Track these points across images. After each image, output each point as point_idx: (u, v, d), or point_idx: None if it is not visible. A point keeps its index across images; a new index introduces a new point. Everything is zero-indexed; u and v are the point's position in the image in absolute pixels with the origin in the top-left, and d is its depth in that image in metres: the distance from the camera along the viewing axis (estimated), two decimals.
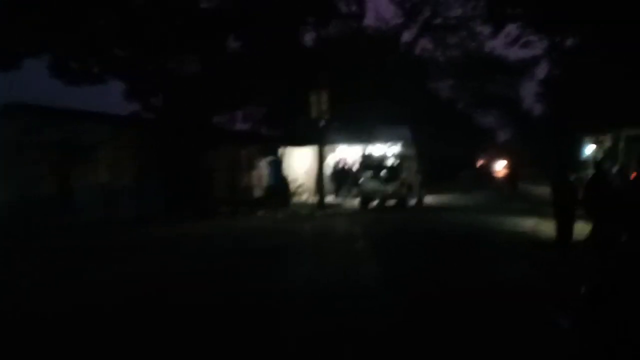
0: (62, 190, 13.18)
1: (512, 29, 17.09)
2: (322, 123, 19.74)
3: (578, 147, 20.59)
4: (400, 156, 20.28)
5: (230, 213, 17.18)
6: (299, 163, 25.25)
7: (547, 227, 13.21)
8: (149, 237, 12.61)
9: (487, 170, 59.70)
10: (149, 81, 17.78)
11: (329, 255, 10.16)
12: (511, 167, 25.09)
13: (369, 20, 32.17)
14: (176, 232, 13.36)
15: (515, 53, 52.70)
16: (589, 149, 18.24)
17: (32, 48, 16.16)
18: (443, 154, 36.57)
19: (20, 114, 12.93)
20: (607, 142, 13.97)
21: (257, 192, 21.27)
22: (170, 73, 16.59)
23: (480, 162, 66.38)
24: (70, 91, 16.66)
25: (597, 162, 9.11)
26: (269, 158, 22.96)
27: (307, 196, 23.04)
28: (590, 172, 9.43)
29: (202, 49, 16.49)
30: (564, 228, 9.25)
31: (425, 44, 32.92)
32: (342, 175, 24.13)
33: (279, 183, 22.64)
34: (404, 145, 24.14)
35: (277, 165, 23.31)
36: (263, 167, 22.33)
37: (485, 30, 27.82)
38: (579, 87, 16.84)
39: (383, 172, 19.17)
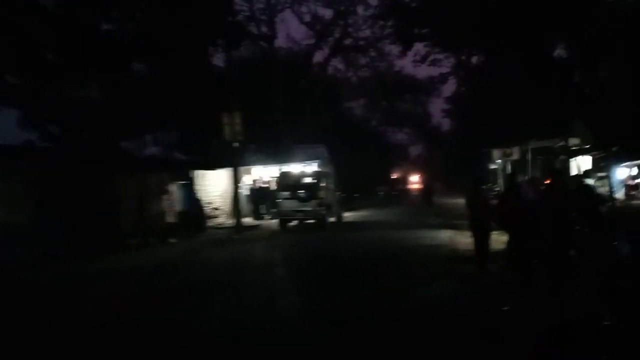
0: None
1: (420, 48, 17.66)
2: (236, 145, 19.17)
3: (485, 160, 21.47)
4: (318, 175, 20.14)
5: (140, 245, 16.07)
6: (214, 186, 24.49)
7: (463, 240, 13.52)
8: (38, 281, 11.04)
9: (401, 186, 61.53)
10: (47, 108, 16.41)
11: (247, 289, 9.20)
12: (425, 181, 25.72)
13: (281, 41, 32.17)
14: (73, 272, 11.91)
15: (425, 71, 55.19)
16: (496, 162, 19.00)
17: None
18: (359, 171, 37.06)
19: None
20: (515, 155, 14.53)
21: (171, 219, 20.20)
22: (70, 99, 15.38)
23: (394, 178, 68.30)
24: None
25: (509, 175, 9.28)
26: (181, 183, 21.99)
27: (224, 219, 22.28)
28: (500, 184, 9.63)
29: (103, 74, 15.45)
30: (481, 242, 9.32)
31: (337, 64, 33.42)
32: (260, 196, 23.63)
33: (193, 208, 21.71)
34: (320, 164, 24.16)
35: (190, 189, 22.38)
36: (175, 193, 21.30)
37: (395, 50, 28.73)
38: (484, 103, 17.58)
39: (301, 192, 18.87)
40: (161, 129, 22.87)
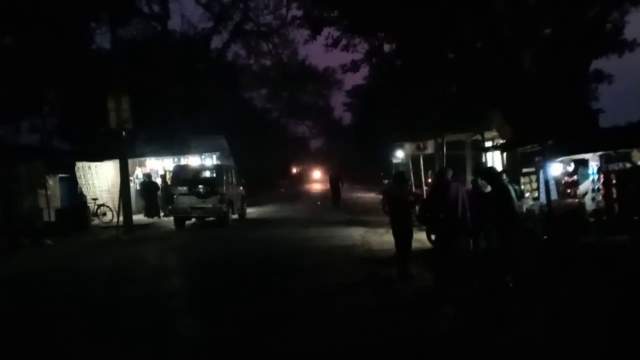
0: None
1: (331, 32, 16.62)
2: (124, 134, 17.02)
3: (389, 154, 21.06)
4: (218, 168, 18.55)
5: (6, 248, 13.62)
6: (101, 180, 22.04)
7: (376, 238, 12.75)
8: None
9: (303, 180, 61.04)
10: None
11: (128, 310, 7.37)
12: (331, 176, 24.93)
13: (175, 23, 29.88)
14: None
15: (330, 61, 54.95)
16: (400, 157, 18.50)
17: None
18: (260, 164, 35.77)
19: None
20: (430, 149, 13.94)
21: (48, 217, 17.65)
22: None
23: (296, 172, 67.78)
24: None
25: (439, 171, 8.49)
26: (61, 175, 19.39)
27: (111, 217, 19.99)
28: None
29: None
30: (403, 242, 8.49)
31: (237, 50, 31.74)
32: (153, 191, 21.52)
33: (74, 204, 19.26)
34: (220, 157, 22.56)
35: (71, 183, 19.85)
36: (54, 187, 18.71)
37: (299, 37, 27.69)
38: (396, 92, 16.95)
39: (200, 187, 17.17)
40: (37, 113, 19.99)
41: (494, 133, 12.06)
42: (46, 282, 9.75)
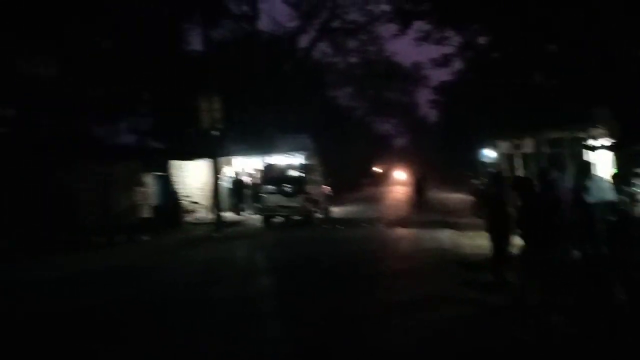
0: None
1: (420, 26, 16.04)
2: (215, 133, 17.46)
3: (479, 153, 20.09)
4: (304, 168, 18.55)
5: (104, 243, 14.33)
6: (193, 177, 22.82)
7: (467, 242, 12.11)
8: None
9: (387, 179, 60.35)
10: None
11: (219, 308, 7.31)
12: (416, 176, 24.28)
13: (263, 23, 30.32)
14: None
15: (418, 56, 53.81)
16: (491, 156, 17.67)
17: None
18: (345, 163, 35.63)
19: None
20: (528, 147, 13.04)
21: (144, 214, 18.49)
22: (24, 78, 13.51)
23: (380, 170, 67.15)
24: None
25: (542, 172, 7.83)
26: (156, 174, 20.26)
27: (203, 214, 20.64)
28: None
29: (58, 48, 13.59)
30: (499, 245, 7.91)
31: (323, 48, 31.70)
32: (241, 189, 21.97)
33: (168, 201, 20.04)
34: (306, 156, 22.61)
35: (165, 181, 20.67)
36: (150, 185, 19.58)
37: (388, 32, 27.20)
38: (491, 87, 16.05)
39: (287, 186, 17.25)
40: (134, 114, 20.97)
41: (600, 130, 11.03)
42: (140, 277, 10.05)
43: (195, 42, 19.47)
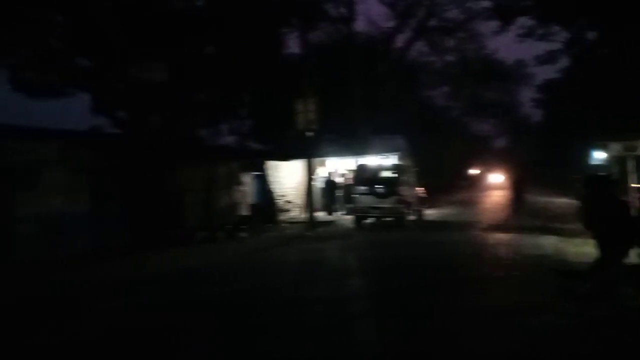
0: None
1: (523, 21, 15.34)
2: (310, 134, 17.83)
3: (585, 154, 18.84)
4: (397, 168, 18.40)
5: (207, 239, 15.13)
6: (288, 178, 23.44)
7: (572, 249, 11.43)
8: (82, 279, 10.10)
9: (483, 180, 58.20)
10: (114, 92, 15.86)
11: (313, 307, 7.44)
12: (516, 177, 23.23)
13: (360, 24, 30.36)
14: (116, 271, 10.90)
15: (520, 53, 51.55)
16: (600, 158, 16.55)
17: None
18: (439, 165, 34.88)
19: None
20: None
21: (242, 212, 19.30)
22: (136, 83, 14.62)
23: (476, 172, 64.93)
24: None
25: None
26: (254, 174, 21.04)
27: (296, 213, 21.13)
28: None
29: (170, 55, 14.54)
30: (607, 255, 7.38)
31: (420, 48, 31.25)
32: (334, 190, 22.23)
33: (265, 201, 20.75)
34: (400, 157, 22.44)
35: (262, 181, 21.42)
36: (247, 184, 20.39)
37: (488, 29, 26.32)
38: (596, 87, 14.97)
39: (379, 187, 17.21)
40: (234, 116, 21.97)
41: None
42: (237, 274, 10.48)
43: (293, 45, 20.03)
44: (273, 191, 21.45)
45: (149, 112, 15.04)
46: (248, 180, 20.90)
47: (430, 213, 21.11)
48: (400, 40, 29.64)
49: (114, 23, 14.08)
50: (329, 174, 23.07)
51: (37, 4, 14.28)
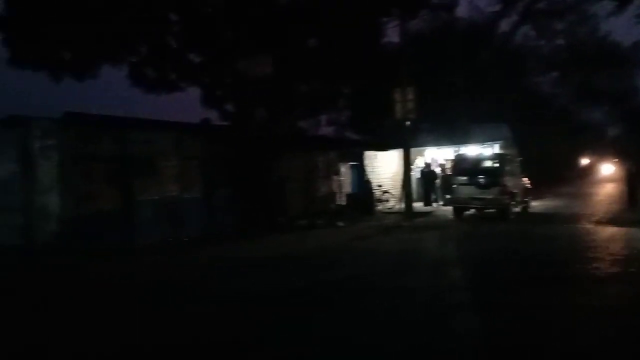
0: (121, 205, 12.23)
1: None
2: (408, 124, 17.72)
3: None
4: (500, 158, 17.79)
5: (307, 227, 15.64)
6: (385, 168, 23.50)
7: None
8: (198, 261, 10.92)
9: (593, 171, 54.53)
10: (223, 86, 16.77)
11: (405, 296, 7.38)
12: (629, 168, 21.61)
13: (462, 10, 29.41)
14: (233, 255, 11.63)
15: (634, 36, 47.49)
16: None
17: (107, 56, 15.71)
18: (546, 154, 33.10)
19: (78, 123, 12.17)
20: None
21: (339, 201, 19.69)
22: (243, 76, 15.36)
23: (585, 162, 60.95)
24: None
25: None
26: (351, 163, 21.34)
27: (393, 203, 21.15)
28: None
29: (275, 48, 15.10)
30: None
31: (526, 32, 29.70)
32: (432, 180, 21.94)
33: (362, 190, 20.98)
34: (502, 146, 21.69)
35: (359, 171, 21.66)
36: (344, 174, 20.74)
37: (602, 10, 24.55)
38: None
39: (480, 177, 16.74)
40: (333, 107, 22.32)
41: None
42: (336, 261, 10.72)
43: (392, 34, 19.92)
44: (370, 181, 21.61)
45: (255, 105, 15.74)
46: (346, 170, 21.24)
47: (535, 205, 20.23)
48: (504, 25, 28.42)
49: (224, 20, 14.87)
50: (427, 164, 22.79)
51: (155, 5, 15.40)
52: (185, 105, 21.68)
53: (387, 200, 21.58)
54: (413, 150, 20.80)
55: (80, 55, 14.88)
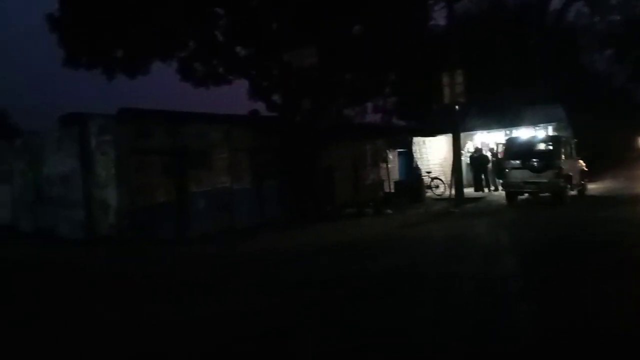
0: (175, 197, 12.59)
1: None
2: (457, 108, 17.39)
3: None
4: (555, 140, 17.19)
5: (355, 215, 15.65)
6: (433, 154, 23.19)
7: None
8: (265, 253, 10.95)
9: None
10: (270, 78, 16.92)
11: (455, 284, 7.12)
12: None
13: None
14: (284, 244, 11.71)
15: None
16: None
17: (157, 53, 16.11)
18: (602, 136, 31.78)
19: (132, 119, 12.59)
20: None
21: (387, 189, 19.57)
22: (289, 67, 15.45)
23: None
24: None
25: None
26: (399, 151, 21.16)
27: (443, 190, 20.85)
28: None
29: (320, 37, 15.10)
30: None
31: (579, 8, 28.51)
32: (483, 165, 21.47)
33: (411, 177, 20.78)
34: (557, 128, 21.01)
35: (407, 158, 21.45)
36: (392, 161, 20.59)
37: None
38: None
39: (534, 160, 16.23)
40: (380, 94, 22.13)
41: None
42: (386, 249, 10.70)
43: (439, 17, 19.54)
44: (419, 168, 21.37)
45: (301, 95, 15.81)
46: (394, 157, 21.09)
47: (592, 188, 19.47)
48: (556, 3, 27.36)
49: (269, 12, 14.98)
50: (477, 148, 22.31)
51: (202, 0, 15.66)
52: (232, 98, 22.05)
53: (437, 187, 21.29)
54: (462, 135, 20.42)
55: (132, 52, 15.33)
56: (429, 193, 20.76)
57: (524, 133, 20.53)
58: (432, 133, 22.51)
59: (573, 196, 16.82)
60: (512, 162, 16.81)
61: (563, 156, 16.44)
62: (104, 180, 12.12)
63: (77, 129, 12.55)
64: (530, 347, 4.79)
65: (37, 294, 7.80)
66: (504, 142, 19.63)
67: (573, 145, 17.86)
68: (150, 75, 16.45)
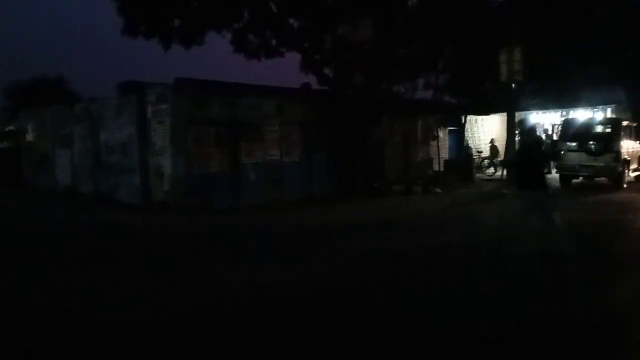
0: (228, 167, 12.86)
1: None
2: (513, 86, 16.88)
3: None
4: (614, 123, 16.53)
5: (403, 192, 15.58)
6: (485, 133, 22.68)
7: None
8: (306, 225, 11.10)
9: None
10: (322, 51, 16.84)
11: (510, 274, 6.80)
12: None
13: None
14: (334, 217, 11.85)
15: None
16: None
17: (212, 23, 16.26)
18: None
19: (189, 89, 12.82)
20: None
21: (436, 167, 19.33)
22: (342, 41, 15.33)
23: None
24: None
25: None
26: (450, 129, 20.79)
27: (494, 170, 20.45)
28: None
29: (376, 10, 14.87)
30: None
31: None
32: (537, 146, 20.81)
33: (461, 156, 20.45)
34: (616, 110, 20.14)
35: (458, 136, 21.08)
36: (443, 139, 20.26)
37: None
38: None
39: (591, 143, 15.68)
40: (433, 70, 21.67)
41: None
42: (436, 227, 10.65)
43: None
44: (470, 147, 21.00)
45: (353, 69, 15.70)
46: (444, 135, 20.76)
47: None
48: None
49: None
50: (532, 128, 21.62)
51: None
52: (280, 73, 22.08)
53: (488, 167, 20.90)
54: (518, 114, 19.83)
55: (189, 21, 15.55)
56: (479, 173, 20.40)
57: (581, 115, 19.79)
58: (485, 111, 21.98)
59: (631, 182, 16.21)
60: (569, 144, 16.29)
61: (622, 140, 15.81)
62: (160, 149, 12.47)
63: (134, 97, 12.91)
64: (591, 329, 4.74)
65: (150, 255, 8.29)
66: (560, 122, 18.98)
67: (633, 129, 17.13)
68: (204, 47, 16.70)
